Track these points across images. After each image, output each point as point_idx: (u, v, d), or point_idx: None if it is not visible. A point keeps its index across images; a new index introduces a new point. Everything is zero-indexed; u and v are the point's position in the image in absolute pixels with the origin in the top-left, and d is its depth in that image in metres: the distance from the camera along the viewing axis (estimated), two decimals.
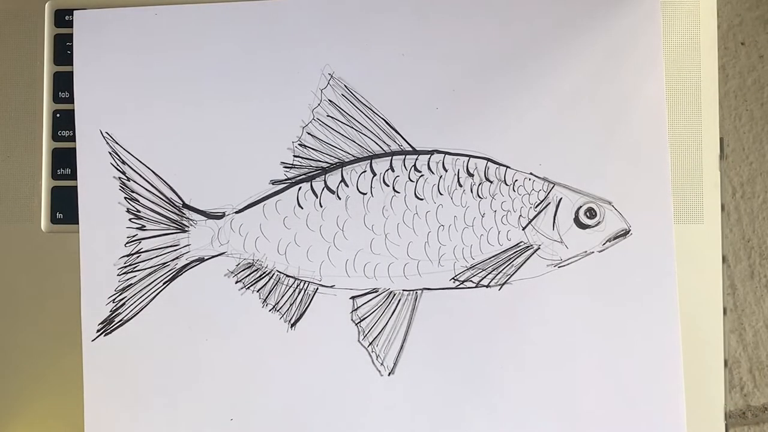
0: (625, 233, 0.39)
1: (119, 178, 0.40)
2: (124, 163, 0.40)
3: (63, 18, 0.42)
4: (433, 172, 0.40)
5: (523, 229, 0.40)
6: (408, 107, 0.40)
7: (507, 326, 0.39)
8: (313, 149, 0.40)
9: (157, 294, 0.40)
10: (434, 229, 0.39)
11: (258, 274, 0.40)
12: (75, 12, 0.41)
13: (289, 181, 0.40)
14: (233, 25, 0.41)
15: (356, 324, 0.39)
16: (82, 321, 0.40)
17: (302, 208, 0.40)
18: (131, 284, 0.40)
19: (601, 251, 0.39)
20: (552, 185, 0.39)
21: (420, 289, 0.39)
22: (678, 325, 0.39)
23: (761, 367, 0.42)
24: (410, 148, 0.40)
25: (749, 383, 0.42)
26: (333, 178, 0.40)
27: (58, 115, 0.41)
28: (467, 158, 0.40)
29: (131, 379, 0.40)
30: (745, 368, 0.42)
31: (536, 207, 0.40)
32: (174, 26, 0.41)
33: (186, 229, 0.40)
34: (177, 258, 0.40)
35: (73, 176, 0.41)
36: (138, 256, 0.40)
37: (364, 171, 0.40)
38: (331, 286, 0.40)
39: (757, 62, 0.43)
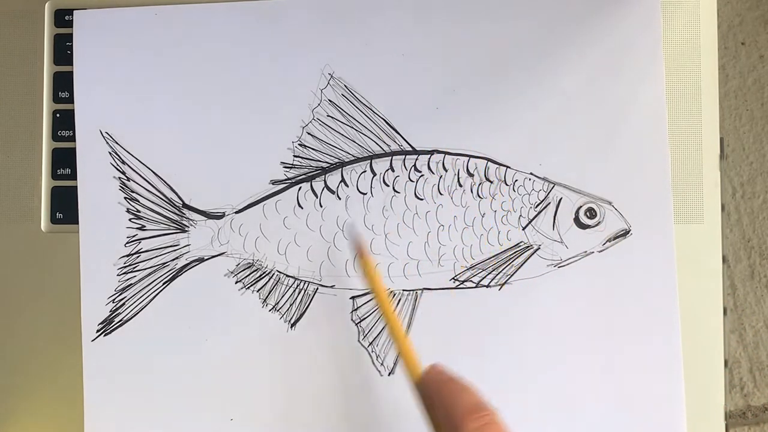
0: (625, 233, 0.39)
1: (119, 178, 0.40)
2: (124, 163, 0.40)
3: (63, 18, 0.42)
4: (433, 172, 0.40)
5: (523, 229, 0.40)
6: (408, 107, 0.40)
7: (507, 326, 0.39)
8: (313, 149, 0.40)
9: (157, 294, 0.40)
10: (434, 229, 0.39)
11: (258, 274, 0.40)
12: (75, 12, 0.41)
13: (289, 181, 0.40)
14: (233, 25, 0.41)
15: (356, 324, 0.39)
16: (82, 321, 0.40)
17: (302, 208, 0.40)
18: (131, 284, 0.40)
19: (601, 251, 0.39)
20: (552, 185, 0.39)
21: (420, 289, 0.39)
22: (678, 325, 0.38)
23: (761, 367, 0.42)
24: (410, 148, 0.40)
25: (749, 383, 0.42)
26: (333, 178, 0.40)
27: (58, 115, 0.41)
28: (467, 158, 0.40)
29: (131, 379, 0.40)
30: (745, 368, 0.42)
31: (536, 207, 0.40)
32: (174, 26, 0.41)
33: (186, 229, 0.40)
34: (177, 258, 0.40)
35: (73, 176, 0.41)
36: (138, 256, 0.40)
37: (364, 171, 0.40)
38: (331, 286, 0.40)
39: (757, 62, 0.43)
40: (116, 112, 0.41)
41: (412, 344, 0.34)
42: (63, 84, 0.41)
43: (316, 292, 0.40)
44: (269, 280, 0.40)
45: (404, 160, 0.40)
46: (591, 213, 0.39)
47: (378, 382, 0.39)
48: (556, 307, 0.39)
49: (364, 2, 0.40)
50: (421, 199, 0.40)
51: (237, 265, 0.40)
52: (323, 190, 0.40)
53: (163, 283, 0.40)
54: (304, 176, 0.40)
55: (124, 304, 0.40)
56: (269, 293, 0.40)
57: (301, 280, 0.40)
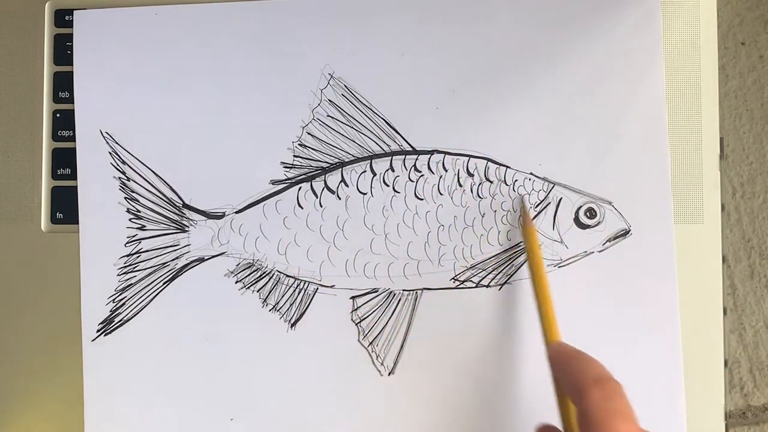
0: (625, 233, 0.39)
1: (119, 178, 0.40)
2: (124, 163, 0.40)
3: (63, 18, 0.42)
4: (433, 172, 0.40)
5: None
6: (408, 107, 0.40)
7: (507, 326, 0.39)
8: (313, 149, 0.40)
9: (157, 294, 0.40)
10: (434, 229, 0.39)
11: (258, 274, 0.40)
12: (75, 12, 0.41)
13: (289, 181, 0.40)
14: (233, 25, 0.41)
15: (356, 324, 0.39)
16: (82, 321, 0.40)
17: (302, 208, 0.40)
18: (131, 284, 0.40)
19: (601, 251, 0.39)
20: (552, 185, 0.39)
21: (420, 289, 0.39)
22: (678, 325, 0.39)
23: (761, 367, 0.42)
24: (410, 148, 0.40)
25: (749, 383, 0.42)
26: (333, 178, 0.40)
27: (58, 115, 0.41)
28: (467, 158, 0.40)
29: (131, 379, 0.40)
30: (745, 368, 0.42)
31: (536, 207, 0.40)
32: (174, 26, 0.41)
33: (186, 229, 0.40)
34: (177, 258, 0.40)
35: (73, 176, 0.41)
36: (138, 256, 0.40)
37: (364, 171, 0.40)
38: (331, 286, 0.40)
39: (757, 62, 0.43)
40: (116, 112, 0.41)
41: (554, 310, 0.36)
42: (63, 84, 0.41)
43: (316, 292, 0.40)
44: (269, 280, 0.40)
45: (404, 160, 0.40)
46: (591, 213, 0.39)
47: (378, 382, 0.39)
48: (556, 307, 0.39)
49: (364, 2, 0.40)
50: (421, 199, 0.40)
51: (237, 265, 0.40)
52: (323, 190, 0.40)
53: (163, 283, 0.40)
54: (304, 176, 0.40)
55: (124, 304, 0.40)
56: (269, 293, 0.40)
57: (301, 280, 0.40)
